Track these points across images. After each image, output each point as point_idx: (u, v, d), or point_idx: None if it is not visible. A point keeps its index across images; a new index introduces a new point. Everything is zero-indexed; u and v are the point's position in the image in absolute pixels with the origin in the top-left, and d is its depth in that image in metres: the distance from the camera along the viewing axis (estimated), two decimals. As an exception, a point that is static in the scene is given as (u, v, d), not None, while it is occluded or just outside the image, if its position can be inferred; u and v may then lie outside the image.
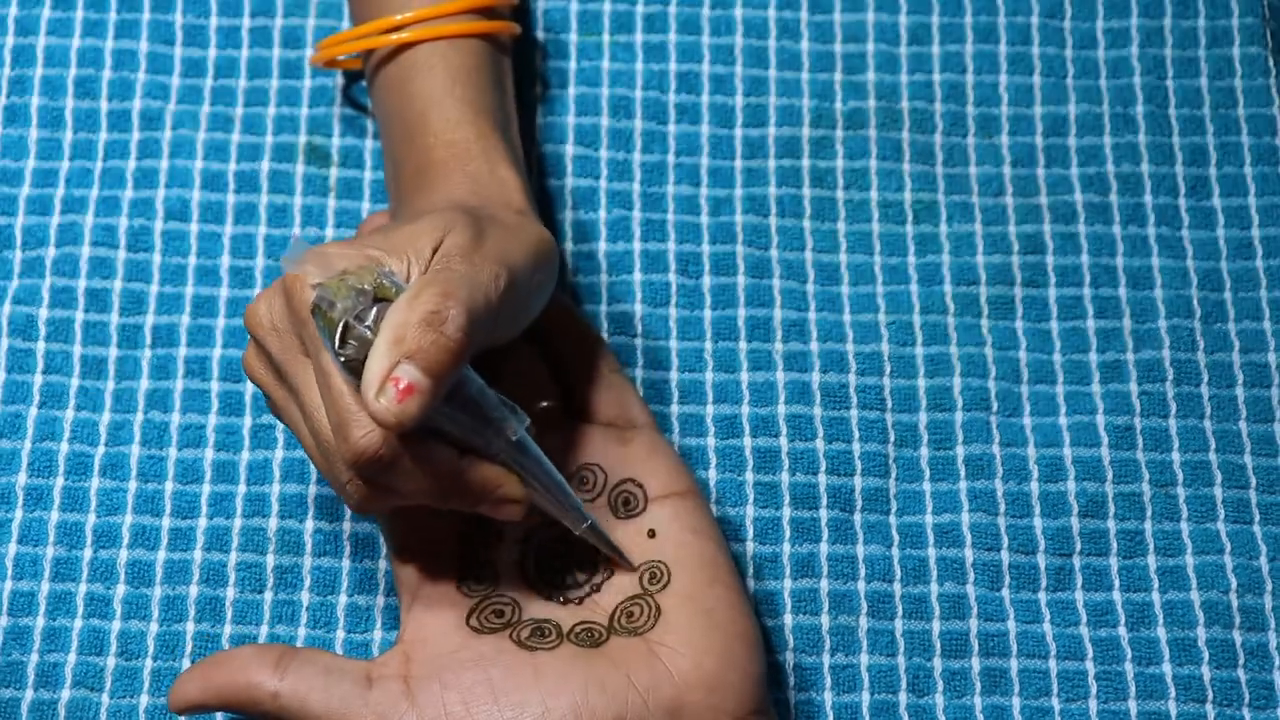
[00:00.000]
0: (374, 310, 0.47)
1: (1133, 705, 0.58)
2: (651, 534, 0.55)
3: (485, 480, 0.50)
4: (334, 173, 0.66)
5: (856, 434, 0.62)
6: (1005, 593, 0.60)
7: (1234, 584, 0.60)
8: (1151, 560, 0.61)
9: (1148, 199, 0.66)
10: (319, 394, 0.49)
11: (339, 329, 0.47)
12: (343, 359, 0.47)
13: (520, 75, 0.68)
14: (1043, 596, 0.60)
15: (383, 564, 0.60)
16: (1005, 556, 0.61)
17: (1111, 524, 0.61)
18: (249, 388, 0.62)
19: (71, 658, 0.58)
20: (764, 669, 0.53)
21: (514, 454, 0.51)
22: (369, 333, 0.47)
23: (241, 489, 0.61)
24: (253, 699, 0.51)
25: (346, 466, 0.48)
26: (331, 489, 0.52)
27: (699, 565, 0.54)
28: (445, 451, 0.49)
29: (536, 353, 0.60)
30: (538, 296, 0.55)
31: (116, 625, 0.59)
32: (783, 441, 0.62)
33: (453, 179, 0.57)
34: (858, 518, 0.61)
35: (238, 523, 0.60)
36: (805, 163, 0.67)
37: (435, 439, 0.49)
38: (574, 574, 0.55)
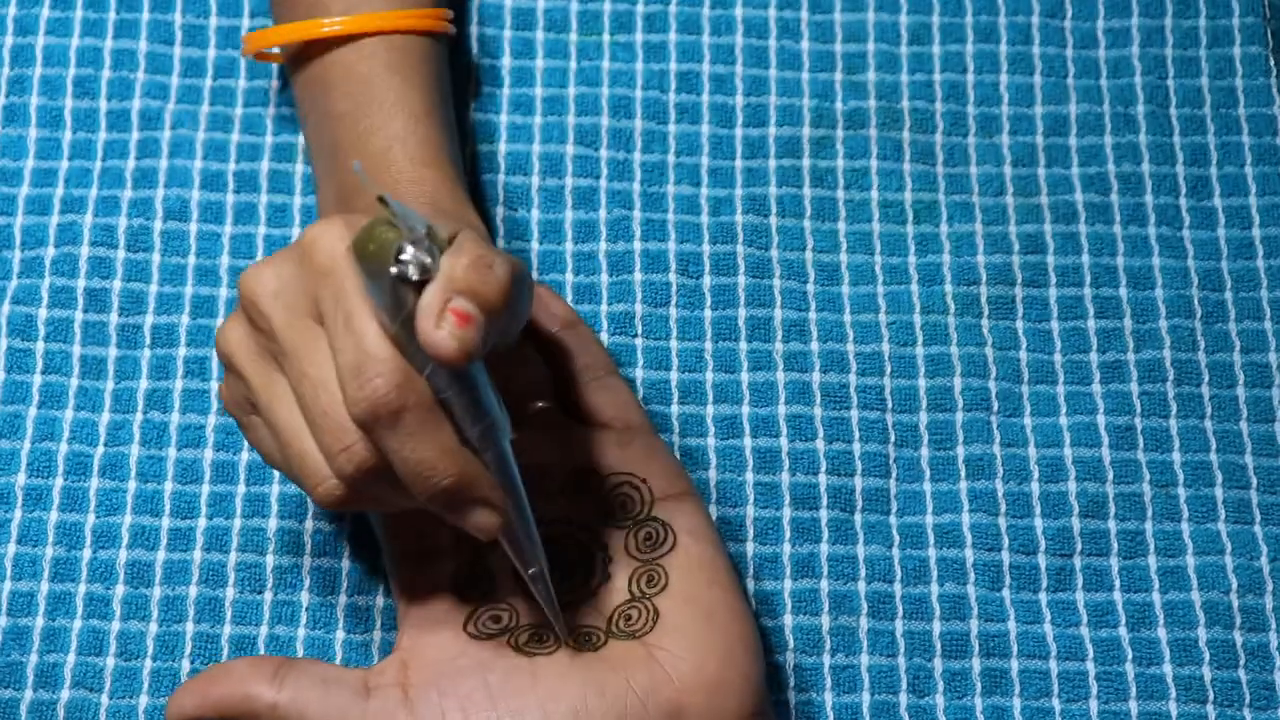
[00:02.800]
0: (425, 242, 0.46)
1: (1133, 706, 0.58)
2: (649, 537, 0.55)
3: (474, 472, 0.48)
4: (334, 172, 0.66)
5: (857, 434, 0.62)
6: (1006, 593, 0.60)
7: (1235, 584, 0.60)
8: (1152, 561, 0.61)
9: (1148, 199, 0.66)
10: (324, 356, 0.47)
11: (394, 249, 0.45)
12: (402, 280, 0.45)
13: (520, 75, 0.68)
14: (1043, 597, 0.60)
15: (382, 564, 0.60)
16: (1006, 557, 0.60)
17: (1112, 524, 0.61)
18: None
19: (71, 658, 0.58)
20: (764, 671, 0.53)
21: (498, 461, 0.49)
22: (425, 258, 0.46)
23: (241, 489, 0.61)
24: (251, 711, 0.50)
25: (345, 426, 0.46)
26: (308, 483, 0.49)
27: (697, 567, 0.54)
28: (449, 426, 0.47)
29: (533, 354, 0.60)
30: (527, 307, 0.55)
31: (116, 626, 0.59)
32: (783, 441, 0.62)
33: (404, 176, 0.56)
34: (858, 518, 0.61)
35: (237, 523, 0.60)
36: (806, 162, 0.67)
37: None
38: (572, 578, 0.55)
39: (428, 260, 0.46)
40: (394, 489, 0.48)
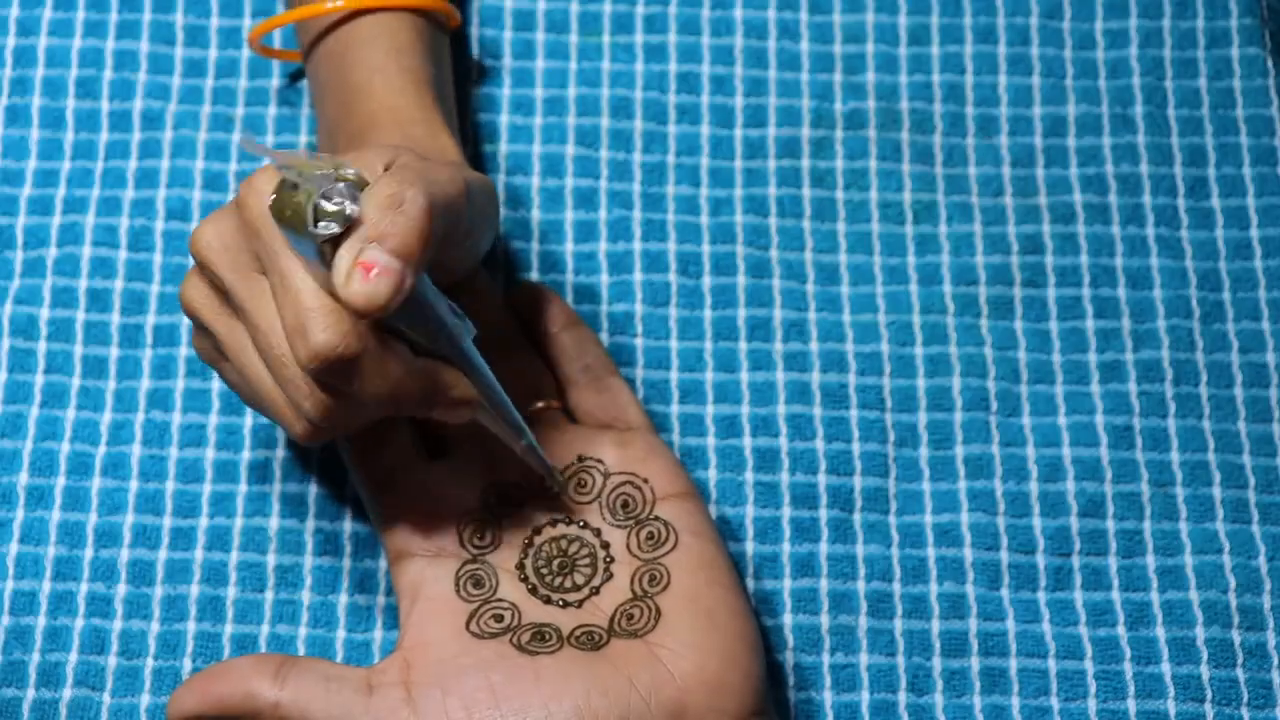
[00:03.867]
0: (340, 190, 0.46)
1: (1132, 704, 0.59)
2: (651, 537, 0.55)
3: (440, 380, 0.49)
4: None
5: (856, 434, 0.62)
6: (1004, 592, 0.60)
7: (1233, 583, 0.60)
8: (1150, 560, 0.61)
9: (1147, 199, 0.66)
10: (272, 309, 0.47)
11: (309, 210, 0.45)
12: (316, 243, 0.45)
13: (521, 76, 0.68)
14: (1042, 596, 0.60)
15: (383, 563, 0.60)
16: (1004, 556, 0.61)
17: (1110, 524, 0.61)
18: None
19: (73, 657, 0.58)
20: (765, 670, 0.53)
21: (464, 362, 0.50)
22: (343, 207, 0.45)
23: (243, 488, 0.61)
24: (253, 709, 0.51)
25: (304, 375, 0.47)
26: (282, 422, 0.50)
27: (698, 566, 0.54)
28: (402, 349, 0.48)
29: (534, 353, 0.60)
30: (486, 230, 0.55)
31: (118, 624, 0.59)
32: (783, 441, 0.62)
33: (392, 138, 0.56)
34: (857, 517, 0.61)
35: (239, 522, 0.61)
36: (805, 163, 0.67)
37: (393, 337, 0.48)
38: (573, 577, 0.55)
39: (348, 211, 0.45)
40: (368, 409, 0.49)
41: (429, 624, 0.53)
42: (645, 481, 0.56)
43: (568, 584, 0.55)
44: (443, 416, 0.50)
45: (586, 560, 0.55)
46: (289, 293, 0.46)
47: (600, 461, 0.57)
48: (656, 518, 0.55)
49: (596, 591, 0.55)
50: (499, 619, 0.53)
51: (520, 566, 0.55)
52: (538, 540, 0.56)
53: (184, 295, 0.51)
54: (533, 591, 0.55)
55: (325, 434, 0.50)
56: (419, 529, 0.55)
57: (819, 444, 0.62)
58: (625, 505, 0.56)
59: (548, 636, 0.53)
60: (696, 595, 0.53)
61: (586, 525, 0.56)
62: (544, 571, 0.55)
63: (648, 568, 0.54)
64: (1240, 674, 0.59)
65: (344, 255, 0.45)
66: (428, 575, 0.54)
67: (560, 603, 0.54)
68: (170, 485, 0.61)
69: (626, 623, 0.53)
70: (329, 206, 0.45)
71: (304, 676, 0.51)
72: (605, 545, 0.55)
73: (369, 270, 0.45)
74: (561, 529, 0.56)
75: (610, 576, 0.55)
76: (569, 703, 0.50)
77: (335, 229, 0.45)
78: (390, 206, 0.45)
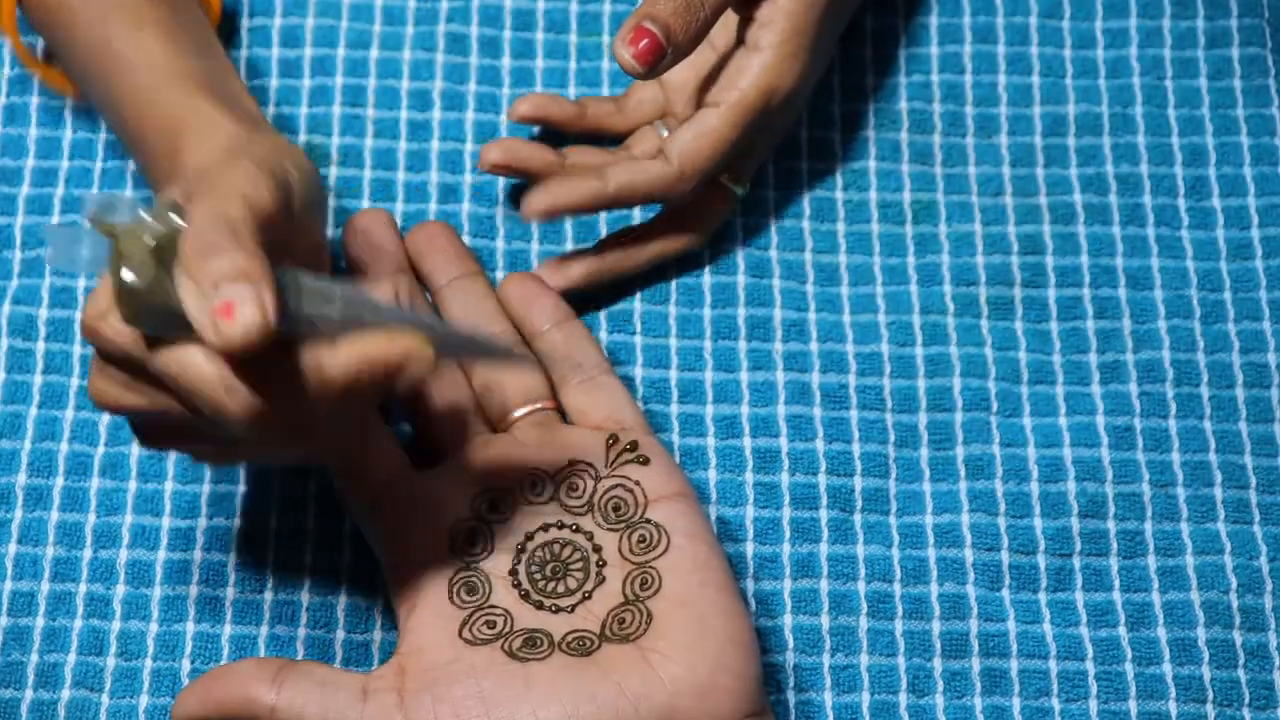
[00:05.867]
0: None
1: (1133, 705, 0.58)
2: (642, 540, 0.55)
3: (372, 352, 0.46)
4: (333, 172, 0.66)
5: (856, 434, 0.62)
6: (1005, 593, 0.60)
7: (1234, 584, 0.60)
8: (1151, 560, 0.61)
9: (1147, 199, 0.66)
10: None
11: (151, 264, 0.44)
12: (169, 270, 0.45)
13: (520, 76, 0.68)
14: (1043, 597, 0.60)
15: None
16: (1005, 557, 0.61)
17: (1111, 524, 0.61)
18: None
19: (71, 658, 0.58)
20: (759, 672, 0.52)
21: (375, 317, 0.47)
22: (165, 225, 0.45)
23: (241, 488, 0.61)
24: (251, 713, 0.51)
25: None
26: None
27: (691, 569, 0.54)
28: (308, 360, 0.46)
29: (526, 354, 0.60)
30: (314, 195, 0.53)
31: (116, 625, 0.59)
32: (783, 441, 0.62)
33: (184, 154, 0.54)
34: (858, 518, 0.61)
35: (238, 522, 0.60)
36: (805, 163, 0.67)
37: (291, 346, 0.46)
38: (565, 582, 0.55)
39: (175, 224, 0.45)
40: (332, 419, 0.48)
41: (423, 631, 0.53)
42: (637, 484, 0.56)
43: (560, 589, 0.55)
44: (407, 381, 0.47)
45: (578, 565, 0.55)
46: (181, 383, 0.46)
47: (591, 465, 0.57)
48: (648, 520, 0.55)
49: (589, 596, 0.55)
50: (491, 625, 0.53)
51: (513, 572, 0.55)
52: (530, 546, 0.56)
53: (92, 395, 0.49)
54: (525, 597, 0.55)
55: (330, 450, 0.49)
56: (411, 538, 0.55)
57: (819, 444, 0.62)
58: (617, 508, 0.56)
59: (539, 642, 0.53)
60: (688, 598, 0.53)
61: (578, 530, 0.56)
62: (536, 577, 0.55)
63: (639, 571, 0.54)
64: (1242, 675, 0.59)
65: (196, 315, 0.44)
66: (422, 583, 0.54)
67: (552, 608, 0.54)
68: (169, 486, 0.61)
69: (618, 627, 0.53)
70: (148, 240, 0.45)
71: (301, 682, 0.51)
72: (597, 549, 0.55)
73: (225, 311, 0.43)
74: (553, 534, 0.56)
75: (602, 580, 0.55)
76: (557, 709, 0.50)
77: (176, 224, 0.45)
78: (207, 257, 0.44)
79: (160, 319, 0.45)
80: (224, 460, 0.52)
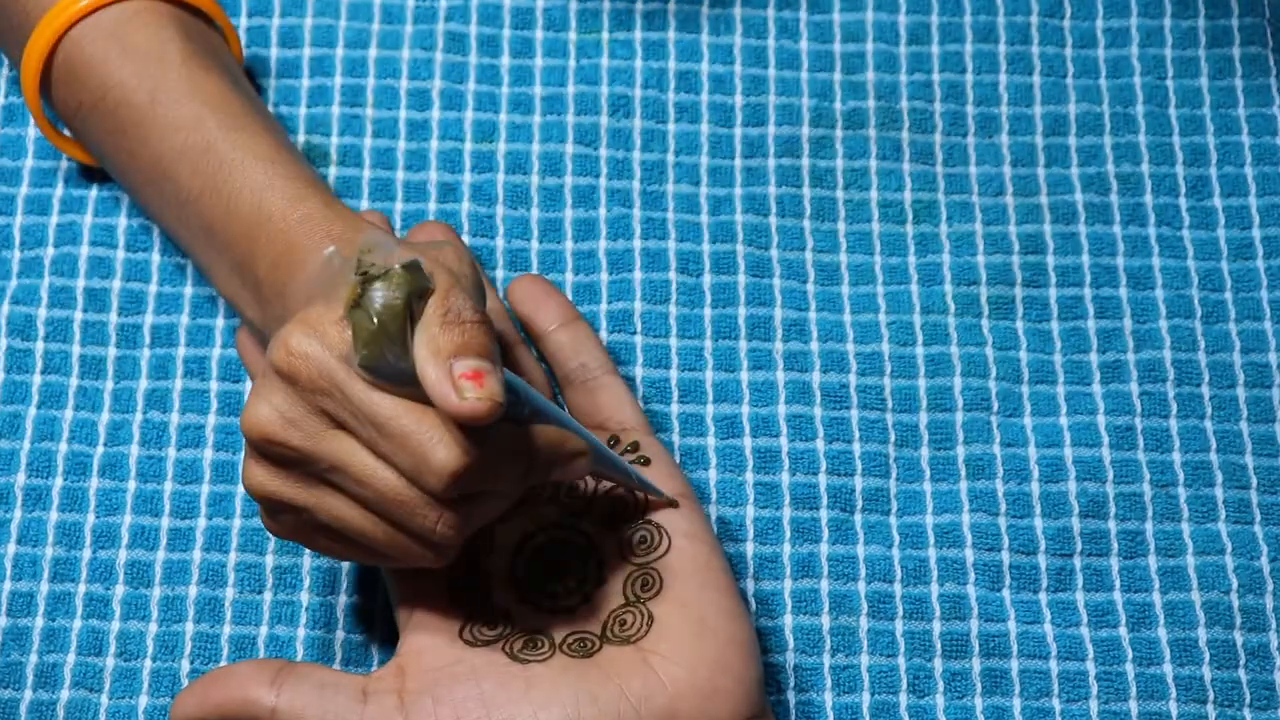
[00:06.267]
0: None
1: (1134, 706, 0.58)
2: (643, 540, 0.55)
3: (550, 441, 0.49)
4: (332, 171, 0.66)
5: (857, 434, 0.62)
6: (1006, 593, 0.60)
7: (1235, 584, 0.60)
8: (1152, 561, 0.61)
9: (1148, 199, 0.66)
10: (366, 456, 0.48)
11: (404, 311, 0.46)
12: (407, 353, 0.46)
13: (519, 74, 0.68)
14: (1043, 597, 0.60)
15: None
16: (1006, 557, 0.60)
17: (1112, 524, 0.61)
18: (248, 386, 0.62)
19: (70, 658, 0.58)
20: (760, 674, 0.52)
21: (554, 416, 0.50)
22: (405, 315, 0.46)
23: (240, 489, 0.61)
24: (251, 715, 0.51)
25: (426, 502, 0.47)
26: (411, 561, 0.50)
27: (692, 571, 0.54)
28: (508, 427, 0.48)
29: (528, 352, 0.60)
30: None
31: (116, 626, 0.59)
32: (783, 441, 0.62)
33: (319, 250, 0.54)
34: (858, 518, 0.61)
35: (237, 523, 0.60)
36: (805, 162, 0.67)
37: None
38: (566, 582, 0.55)
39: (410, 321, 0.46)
40: (500, 499, 0.50)
41: (423, 632, 0.53)
42: None
43: (560, 590, 0.55)
44: (564, 476, 0.51)
45: (579, 566, 0.55)
46: (391, 438, 0.47)
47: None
48: (649, 521, 0.55)
49: (589, 597, 0.54)
50: (491, 626, 0.53)
51: (513, 573, 0.55)
52: (530, 547, 0.55)
53: (251, 483, 0.50)
54: (525, 598, 0.54)
55: (459, 547, 0.50)
56: None
57: (819, 444, 0.62)
58: (617, 509, 0.56)
59: (539, 644, 0.53)
60: (689, 600, 0.53)
61: (579, 530, 0.56)
62: (536, 578, 0.55)
63: (640, 572, 0.54)
64: (1243, 675, 0.59)
65: (433, 375, 0.45)
66: (422, 584, 0.54)
67: (552, 609, 0.54)
68: (168, 486, 0.61)
69: (619, 628, 0.53)
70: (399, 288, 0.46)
71: (300, 684, 0.51)
72: (597, 550, 0.55)
73: (478, 378, 0.45)
74: (553, 534, 0.56)
75: (602, 582, 0.55)
76: (558, 711, 0.50)
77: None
78: (451, 323, 0.46)
79: (383, 368, 0.46)
80: (354, 552, 0.52)
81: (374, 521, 0.49)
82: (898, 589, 0.60)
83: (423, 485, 0.47)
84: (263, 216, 0.55)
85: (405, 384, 0.46)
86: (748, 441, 0.62)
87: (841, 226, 0.66)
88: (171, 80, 0.57)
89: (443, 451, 0.46)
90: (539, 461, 0.49)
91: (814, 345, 0.64)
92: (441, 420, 0.46)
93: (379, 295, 0.46)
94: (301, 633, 0.59)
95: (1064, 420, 0.62)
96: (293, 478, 0.49)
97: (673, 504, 0.55)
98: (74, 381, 0.62)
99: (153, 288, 0.64)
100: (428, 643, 0.53)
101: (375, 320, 0.46)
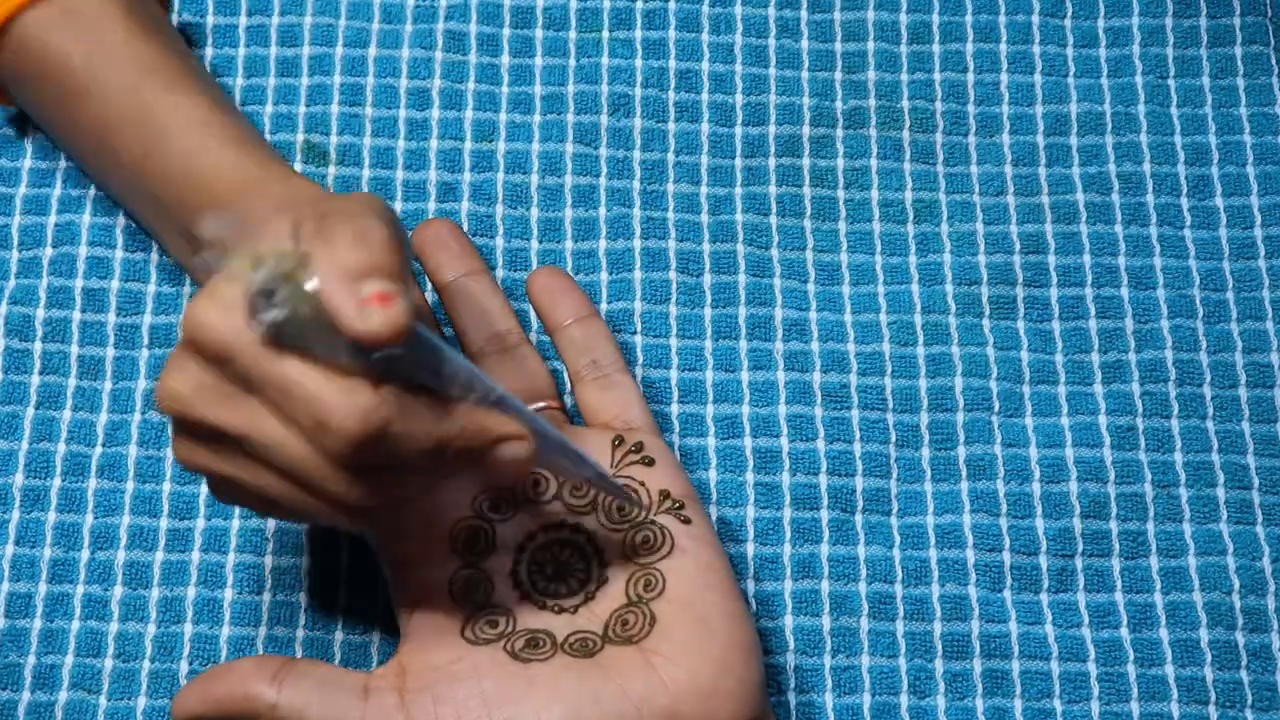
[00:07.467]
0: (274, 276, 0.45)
1: (1135, 706, 0.58)
2: (646, 541, 0.55)
3: (475, 420, 0.48)
4: (331, 171, 0.66)
5: (858, 434, 0.62)
6: (1007, 594, 0.60)
7: (1236, 585, 0.60)
8: (1154, 561, 0.61)
9: (1149, 198, 0.66)
10: (273, 422, 0.46)
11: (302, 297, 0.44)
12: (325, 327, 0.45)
13: (519, 73, 0.68)
14: (1044, 598, 0.60)
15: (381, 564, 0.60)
16: (1007, 558, 0.60)
17: (1113, 525, 0.61)
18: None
19: (69, 659, 0.58)
20: (762, 675, 0.52)
21: (498, 401, 0.48)
22: (293, 281, 0.44)
23: (240, 489, 0.61)
24: (252, 711, 0.50)
25: (339, 466, 0.46)
26: (325, 522, 0.50)
27: (694, 571, 0.54)
28: (425, 399, 0.47)
29: (533, 351, 0.60)
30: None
31: (114, 627, 0.59)
32: (783, 442, 0.62)
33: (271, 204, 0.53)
34: (859, 519, 0.61)
35: (235, 524, 0.60)
36: (805, 161, 0.67)
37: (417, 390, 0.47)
38: (568, 582, 0.55)
39: (299, 283, 0.45)
40: (415, 475, 0.48)
41: (425, 630, 0.53)
42: (641, 484, 0.56)
43: (562, 589, 0.55)
44: (497, 470, 0.49)
45: (581, 565, 0.55)
46: (294, 391, 0.45)
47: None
48: (653, 522, 0.55)
49: (591, 597, 0.54)
50: (493, 625, 0.53)
51: (515, 572, 0.55)
52: (532, 545, 0.55)
53: (178, 456, 0.49)
54: (527, 597, 0.54)
55: (376, 510, 0.48)
56: (412, 537, 0.55)
57: (820, 444, 0.62)
58: (620, 509, 0.56)
59: (541, 643, 0.53)
60: (691, 600, 0.53)
61: (581, 530, 0.56)
62: (538, 577, 0.55)
63: (643, 573, 0.54)
64: (1244, 676, 0.59)
65: (339, 300, 0.44)
66: (423, 583, 0.54)
67: (555, 608, 0.54)
68: (167, 486, 0.61)
69: (621, 629, 0.53)
70: (283, 297, 0.45)
71: (302, 680, 0.51)
72: (600, 550, 0.55)
73: (384, 300, 0.44)
74: (556, 534, 0.56)
75: (605, 581, 0.55)
76: (560, 710, 0.50)
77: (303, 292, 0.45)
78: (360, 243, 0.45)
79: (287, 330, 0.45)
80: (278, 512, 0.51)
81: (291, 487, 0.48)
82: (898, 590, 0.60)
83: (325, 449, 0.46)
84: (197, 180, 0.55)
85: (309, 347, 0.45)
86: (748, 442, 0.62)
87: (842, 226, 0.66)
88: (112, 47, 0.58)
89: (342, 414, 0.45)
90: (457, 438, 0.47)
91: (814, 345, 0.64)
92: (346, 384, 0.45)
93: (274, 257, 0.45)
94: (300, 634, 0.59)
95: (1065, 420, 0.62)
96: (212, 448, 0.48)
97: (639, 510, 0.54)
98: (72, 382, 0.62)
99: (151, 288, 0.64)
100: (429, 641, 0.53)
101: (274, 281, 0.45)
